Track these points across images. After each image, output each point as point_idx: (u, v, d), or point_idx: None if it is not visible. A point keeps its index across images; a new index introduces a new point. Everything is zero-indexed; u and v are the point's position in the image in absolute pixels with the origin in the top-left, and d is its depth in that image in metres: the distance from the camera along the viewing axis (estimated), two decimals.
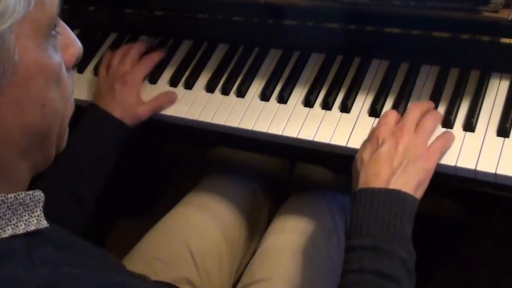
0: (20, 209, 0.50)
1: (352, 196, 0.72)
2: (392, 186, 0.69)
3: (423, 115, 0.78)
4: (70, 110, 0.56)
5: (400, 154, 0.72)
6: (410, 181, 0.70)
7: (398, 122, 0.77)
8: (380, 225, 0.67)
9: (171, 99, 0.95)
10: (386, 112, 0.79)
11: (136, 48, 1.00)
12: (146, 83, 1.03)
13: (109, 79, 0.96)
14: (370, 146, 0.75)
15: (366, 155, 0.74)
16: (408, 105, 0.80)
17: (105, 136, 0.91)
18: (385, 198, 0.68)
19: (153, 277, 0.90)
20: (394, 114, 0.78)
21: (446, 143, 0.76)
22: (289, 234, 0.96)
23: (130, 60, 0.98)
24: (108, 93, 0.94)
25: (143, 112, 0.94)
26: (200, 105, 0.95)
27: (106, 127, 0.92)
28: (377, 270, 0.64)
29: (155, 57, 1.00)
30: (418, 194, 0.71)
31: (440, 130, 0.80)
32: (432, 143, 0.75)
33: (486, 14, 0.75)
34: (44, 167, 0.55)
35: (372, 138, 0.75)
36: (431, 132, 0.77)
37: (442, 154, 0.75)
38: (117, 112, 0.92)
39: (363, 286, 0.65)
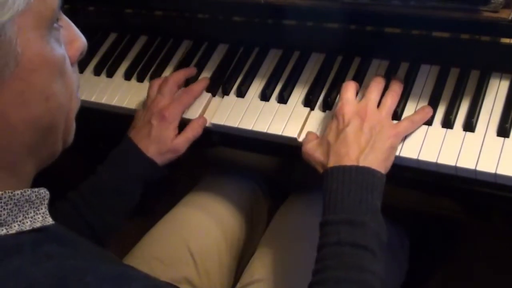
0: (26, 206, 0.50)
1: (324, 173, 0.75)
2: (361, 163, 0.73)
3: (381, 91, 0.81)
4: (75, 104, 0.56)
5: (366, 134, 0.75)
6: (378, 158, 0.74)
7: (357, 93, 0.82)
8: (353, 199, 0.70)
9: (203, 124, 0.92)
10: (344, 85, 0.82)
11: (174, 78, 0.94)
12: (146, 82, 1.03)
13: (147, 112, 0.92)
14: (336, 126, 0.77)
15: (332, 136, 0.77)
16: (370, 83, 0.83)
17: (132, 173, 0.88)
18: (357, 175, 0.72)
19: None
20: (353, 88, 0.81)
21: (411, 124, 0.79)
22: (289, 234, 0.96)
23: (168, 93, 0.92)
24: (144, 128, 0.90)
25: (180, 145, 0.90)
26: (200, 106, 0.95)
27: (135, 165, 0.88)
28: (353, 242, 0.68)
29: (196, 91, 0.94)
30: (386, 170, 0.75)
31: (440, 130, 0.80)
32: (399, 122, 0.79)
33: (486, 14, 0.75)
34: (50, 162, 0.55)
35: (337, 117, 0.78)
36: (393, 108, 0.80)
37: (408, 131, 0.79)
38: (150, 149, 0.88)
39: (341, 257, 0.68)
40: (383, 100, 0.80)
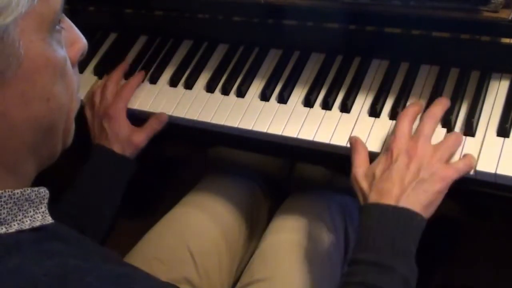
0: (25, 205, 0.50)
1: (361, 209, 0.73)
2: (401, 204, 0.69)
3: (437, 123, 0.77)
4: (75, 105, 0.56)
5: (412, 173, 0.71)
6: (420, 200, 0.70)
7: (412, 128, 0.76)
8: (386, 241, 0.68)
9: (162, 120, 0.95)
10: (401, 118, 0.77)
11: (112, 80, 0.99)
12: (146, 83, 1.03)
13: (96, 118, 0.97)
14: (385, 161, 0.74)
15: (379, 170, 0.73)
16: (423, 115, 0.77)
17: (112, 174, 0.92)
18: (393, 216, 0.69)
19: None
20: (409, 122, 0.76)
21: (465, 168, 0.73)
22: (288, 234, 0.96)
23: (109, 93, 0.97)
24: (101, 133, 0.95)
25: (140, 140, 0.94)
26: (200, 105, 0.95)
27: (110, 167, 0.92)
28: (378, 287, 0.65)
29: (133, 82, 0.99)
30: (427, 214, 0.71)
31: (440, 130, 0.80)
32: (452, 164, 0.73)
33: (486, 14, 0.75)
34: (50, 162, 0.55)
35: (388, 152, 0.74)
36: (451, 153, 0.75)
37: (460, 175, 0.73)
38: (116, 148, 0.93)
39: None
40: (442, 142, 0.75)
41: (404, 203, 0.69)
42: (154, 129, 0.95)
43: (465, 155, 0.75)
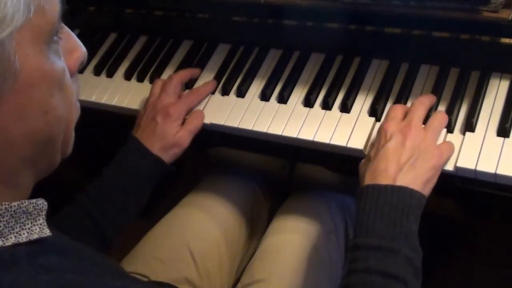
0: (23, 218, 0.49)
1: (358, 192, 0.71)
2: (399, 182, 0.68)
3: (427, 109, 0.78)
4: (75, 115, 0.55)
5: (408, 150, 0.71)
6: (418, 177, 0.69)
7: (405, 115, 0.77)
8: (386, 223, 0.66)
9: (201, 117, 0.92)
10: (393, 106, 0.79)
11: (178, 77, 0.95)
12: (146, 82, 1.03)
13: (151, 110, 0.92)
14: (378, 141, 0.74)
15: (373, 152, 0.73)
16: (413, 101, 0.79)
17: (140, 171, 0.88)
18: (392, 195, 0.67)
19: (153, 277, 0.90)
20: (401, 108, 0.78)
21: (452, 147, 0.76)
22: (289, 234, 0.96)
23: (172, 91, 0.92)
24: (149, 126, 0.90)
25: (183, 138, 0.90)
26: (200, 106, 0.95)
27: (142, 163, 0.88)
28: (383, 271, 0.64)
29: (203, 92, 0.95)
30: (426, 191, 0.70)
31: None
32: (443, 143, 0.76)
33: (486, 14, 0.75)
34: (49, 173, 0.54)
35: (380, 132, 0.75)
36: (440, 131, 0.76)
37: (451, 153, 0.75)
38: (156, 147, 0.89)
39: (369, 286, 0.64)
40: (431, 120, 0.76)
41: (402, 181, 0.68)
42: (196, 127, 0.91)
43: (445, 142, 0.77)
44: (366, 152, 0.77)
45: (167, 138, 0.89)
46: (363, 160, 0.76)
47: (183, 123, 0.92)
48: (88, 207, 0.84)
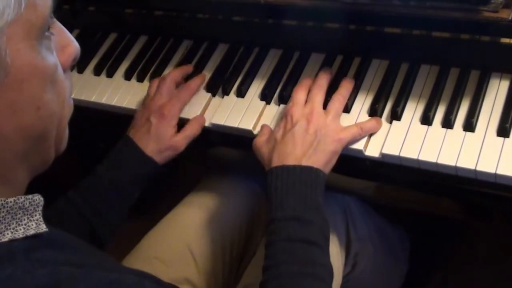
0: (19, 213, 0.50)
1: (268, 172, 0.78)
2: (304, 163, 0.77)
3: (325, 91, 0.85)
4: (68, 111, 0.55)
5: (311, 136, 0.79)
6: (320, 160, 0.78)
7: (306, 97, 0.84)
8: (298, 197, 0.74)
9: (202, 123, 0.93)
10: (296, 89, 0.85)
11: (172, 77, 0.95)
12: (146, 82, 1.03)
13: (146, 111, 0.92)
14: (284, 126, 0.81)
15: (279, 135, 0.80)
16: (312, 86, 0.85)
17: (131, 171, 0.88)
18: (301, 174, 0.76)
19: None
20: (304, 92, 0.84)
21: (360, 132, 0.81)
22: None
23: (166, 91, 0.93)
24: (143, 126, 0.90)
25: (180, 142, 0.90)
26: (200, 106, 0.95)
27: (134, 162, 0.88)
28: (303, 238, 0.71)
29: (194, 85, 0.96)
30: (327, 170, 0.79)
31: (440, 130, 0.80)
32: (347, 128, 0.81)
33: (486, 14, 0.75)
34: (43, 169, 0.54)
35: (286, 117, 0.82)
36: (339, 113, 0.84)
37: (354, 138, 0.81)
38: (150, 147, 0.89)
39: (293, 253, 0.70)
40: (330, 103, 0.83)
41: (307, 162, 0.77)
42: (194, 133, 0.92)
43: (374, 118, 0.83)
44: (273, 131, 0.83)
45: (163, 140, 0.90)
46: (262, 138, 0.83)
47: (180, 123, 0.92)
48: (79, 204, 0.85)
